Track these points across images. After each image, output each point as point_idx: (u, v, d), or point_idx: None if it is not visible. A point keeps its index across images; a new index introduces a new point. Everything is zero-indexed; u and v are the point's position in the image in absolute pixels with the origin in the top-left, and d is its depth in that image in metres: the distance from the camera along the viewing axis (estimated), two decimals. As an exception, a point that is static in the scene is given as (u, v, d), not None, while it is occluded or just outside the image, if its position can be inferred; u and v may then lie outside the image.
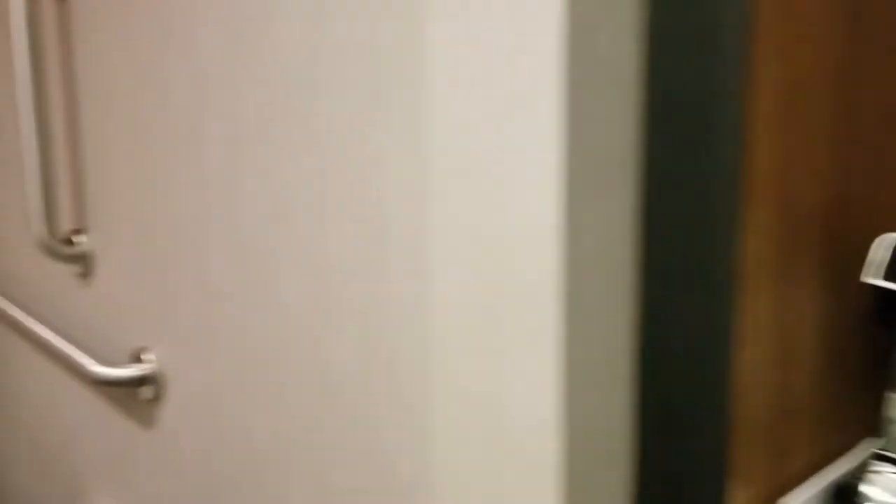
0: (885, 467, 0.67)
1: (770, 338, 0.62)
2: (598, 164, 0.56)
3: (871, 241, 0.67)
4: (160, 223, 0.99)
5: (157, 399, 1.06)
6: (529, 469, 0.59)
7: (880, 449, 0.68)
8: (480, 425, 0.61)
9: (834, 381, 0.70)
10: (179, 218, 0.95)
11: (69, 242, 1.20)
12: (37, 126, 1.13)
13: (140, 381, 1.05)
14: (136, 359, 1.07)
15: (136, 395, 1.12)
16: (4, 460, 1.76)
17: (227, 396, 0.91)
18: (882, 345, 0.72)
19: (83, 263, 1.21)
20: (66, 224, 1.23)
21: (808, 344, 0.66)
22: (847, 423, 0.73)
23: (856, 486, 0.67)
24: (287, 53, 0.75)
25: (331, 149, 0.72)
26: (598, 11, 0.54)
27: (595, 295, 0.57)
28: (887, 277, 0.66)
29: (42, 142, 1.13)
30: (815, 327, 0.67)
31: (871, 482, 0.67)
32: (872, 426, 0.72)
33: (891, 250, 0.66)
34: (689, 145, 0.56)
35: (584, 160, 0.55)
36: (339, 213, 0.72)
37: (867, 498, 0.66)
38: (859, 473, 0.68)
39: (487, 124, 0.57)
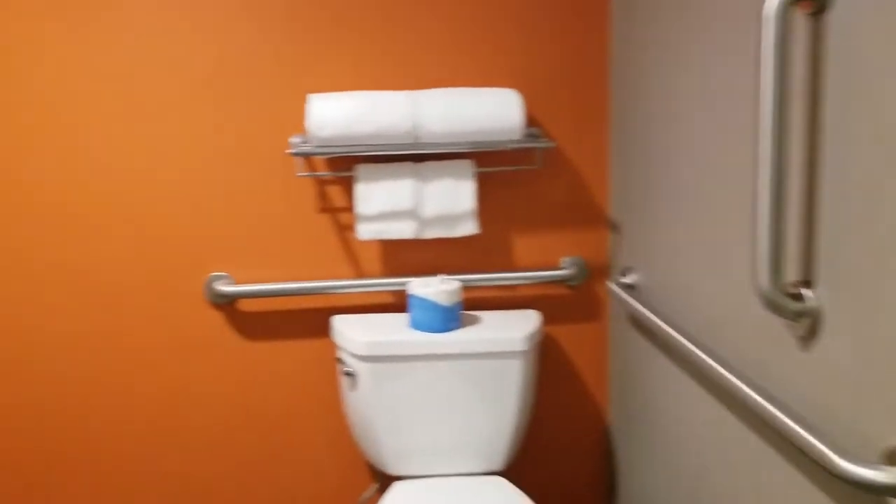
0: None
1: None
2: None
3: None
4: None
5: (921, 519, 0.80)
6: None
7: None
8: None
9: None
10: None
11: (794, 296, 1.02)
12: (774, 159, 0.97)
13: (899, 491, 0.81)
14: (892, 459, 0.83)
15: (882, 502, 0.87)
16: (656, 494, 1.70)
17: None
18: None
19: (807, 323, 1.02)
20: (790, 274, 1.06)
21: None
22: None
23: None
24: None
25: None
26: None
27: None
28: None
29: (777, 176, 0.98)
30: None
31: None
32: None
33: None
34: None
35: None
36: None
37: None
38: None
39: None
